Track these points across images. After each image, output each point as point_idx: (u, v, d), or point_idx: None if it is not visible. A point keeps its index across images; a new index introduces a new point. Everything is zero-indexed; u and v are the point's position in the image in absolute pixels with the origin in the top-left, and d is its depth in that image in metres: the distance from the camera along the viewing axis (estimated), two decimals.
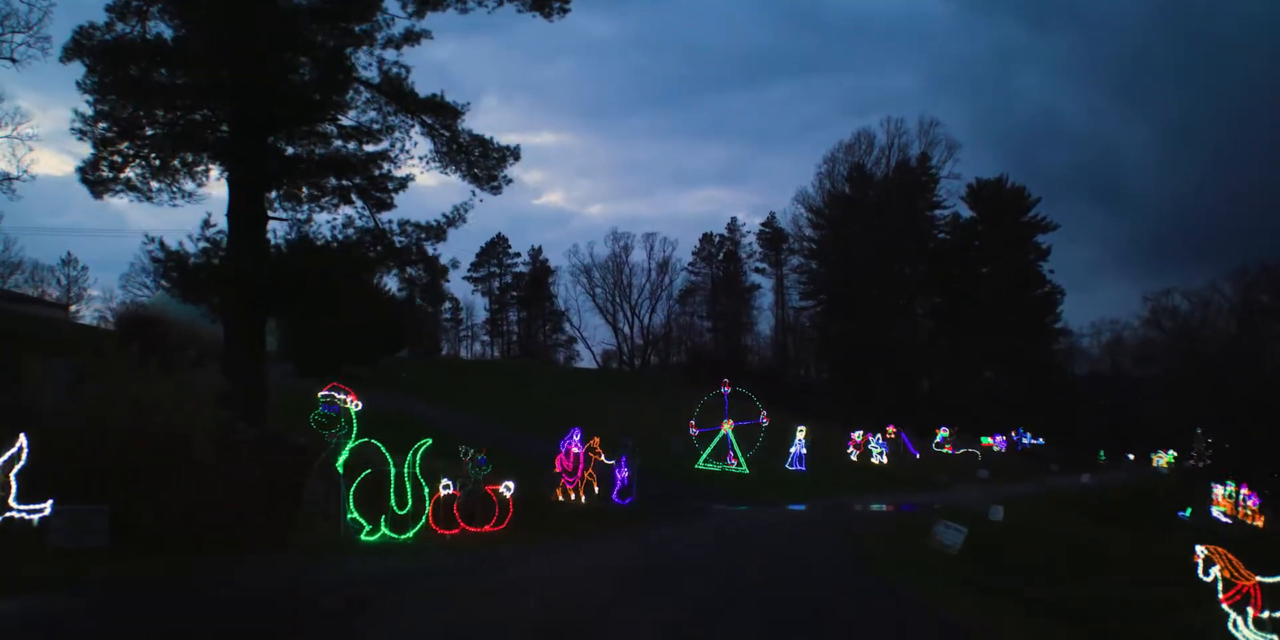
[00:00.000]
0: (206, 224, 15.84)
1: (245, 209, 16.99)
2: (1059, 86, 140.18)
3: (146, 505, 10.43)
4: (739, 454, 33.61)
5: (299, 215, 18.19)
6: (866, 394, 71.27)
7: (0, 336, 20.51)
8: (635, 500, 22.22)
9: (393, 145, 18.38)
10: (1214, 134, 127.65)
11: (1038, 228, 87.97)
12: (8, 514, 10.15)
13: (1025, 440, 67.61)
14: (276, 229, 17.47)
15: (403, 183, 18.02)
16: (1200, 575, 12.20)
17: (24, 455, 10.20)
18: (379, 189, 17.77)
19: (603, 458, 22.08)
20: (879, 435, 45.58)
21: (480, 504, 15.09)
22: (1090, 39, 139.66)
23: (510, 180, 19.37)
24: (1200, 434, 74.72)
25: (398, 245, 17.29)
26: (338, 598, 9.65)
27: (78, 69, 15.90)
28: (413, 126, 19.01)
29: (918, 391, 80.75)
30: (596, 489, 21.72)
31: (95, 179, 15.44)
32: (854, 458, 43.18)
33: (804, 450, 36.71)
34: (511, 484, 15.49)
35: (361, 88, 18.71)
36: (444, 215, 17.85)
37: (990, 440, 60.13)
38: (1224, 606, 11.97)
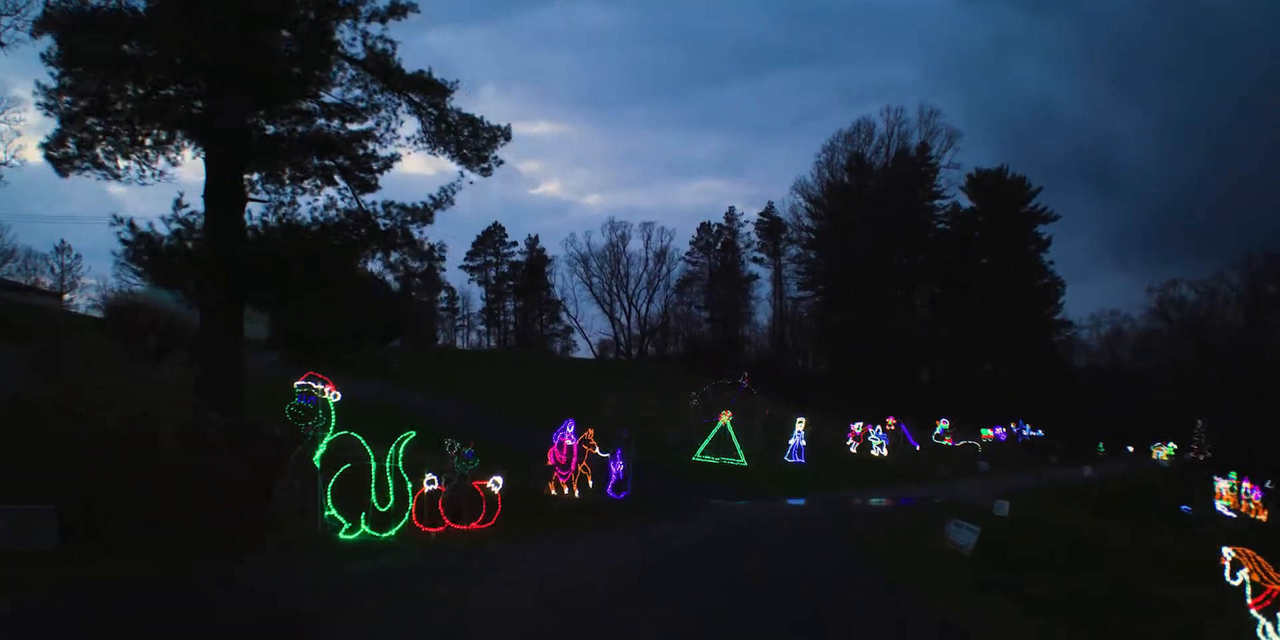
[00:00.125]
0: (179, 204, 15.03)
1: (223, 189, 16.19)
2: (1057, 77, 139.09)
3: (102, 503, 9.67)
4: (738, 446, 32.91)
5: (282, 198, 17.41)
6: (865, 385, 70.69)
7: None
8: (630, 494, 21.50)
9: (378, 124, 17.61)
10: (1213, 125, 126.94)
11: (1038, 218, 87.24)
12: None
13: (1025, 432, 67.02)
14: (254, 210, 16.71)
15: (388, 163, 17.24)
16: (1228, 578, 11.58)
17: None
18: (363, 169, 16.95)
19: (597, 450, 21.37)
20: (879, 427, 44.93)
21: (467, 500, 14.34)
22: (1088, 28, 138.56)
23: (501, 161, 18.63)
24: (1200, 426, 74.21)
25: (382, 228, 16.50)
26: (310, 605, 8.91)
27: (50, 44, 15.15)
28: (399, 105, 18.18)
29: (917, 382, 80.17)
30: (590, 483, 21.02)
31: (60, 156, 14.62)
32: (853, 450, 42.53)
33: (803, 442, 36.04)
34: (500, 479, 14.74)
35: (346, 64, 17.88)
36: (431, 197, 17.09)
37: (990, 432, 59.56)
38: (1252, 612, 11.29)
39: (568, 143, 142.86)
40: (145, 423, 11.50)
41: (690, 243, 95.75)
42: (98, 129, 14.68)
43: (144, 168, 15.18)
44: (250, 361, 25.68)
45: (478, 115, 18.41)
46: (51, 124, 14.97)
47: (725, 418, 33.39)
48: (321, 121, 17.55)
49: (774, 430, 36.10)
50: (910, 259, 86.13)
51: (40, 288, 63.79)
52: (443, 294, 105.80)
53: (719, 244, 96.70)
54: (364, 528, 12.82)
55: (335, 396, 12.81)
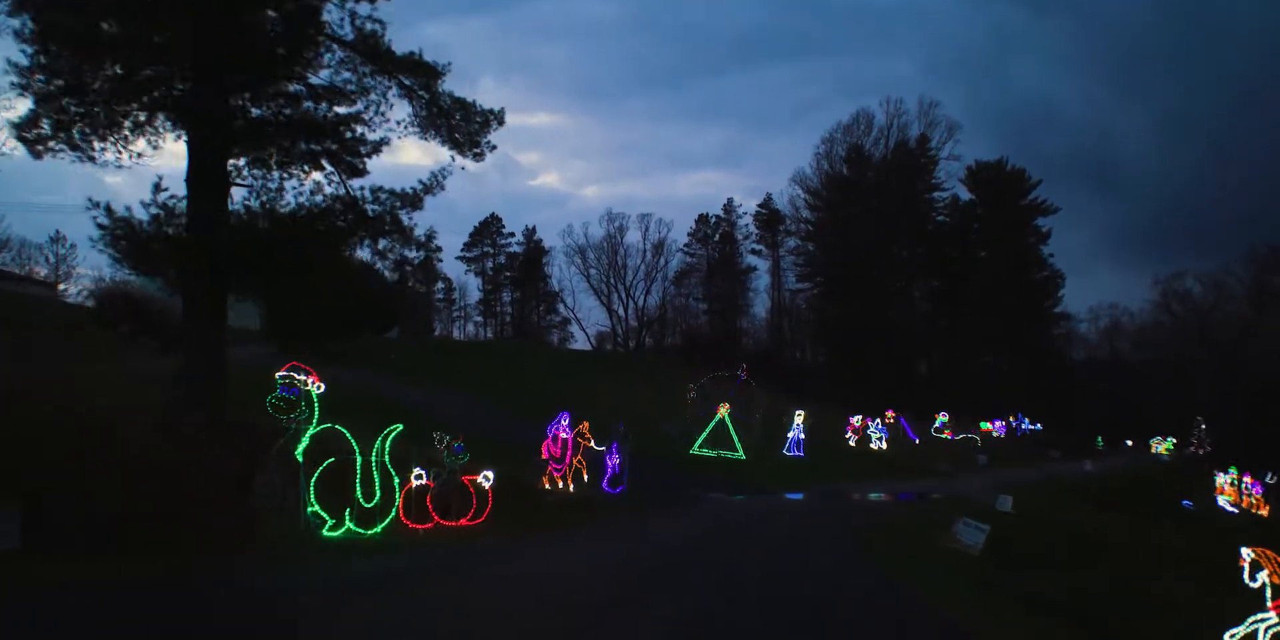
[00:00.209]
0: (158, 188, 14.45)
1: (205, 174, 15.61)
2: (1056, 73, 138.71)
3: (67, 500, 9.16)
4: (736, 440, 32.46)
5: (269, 184, 16.85)
6: (864, 377, 70.32)
7: None
8: (627, 489, 21.04)
9: (367, 107, 17.00)
10: (1212, 121, 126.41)
11: (1038, 211, 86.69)
12: None
13: (1024, 426, 66.65)
14: (237, 195, 16.11)
15: (377, 147, 16.64)
16: (1246, 580, 11.15)
17: None
18: (351, 153, 16.36)
19: (592, 444, 20.91)
20: (877, 420, 44.52)
21: (456, 495, 13.86)
22: (1087, 24, 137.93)
23: (494, 146, 18.04)
24: (1200, 420, 73.87)
25: (370, 214, 15.95)
26: (291, 609, 8.41)
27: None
28: (390, 88, 17.59)
29: (915, 375, 79.79)
30: (586, 477, 20.57)
31: (34, 137, 14.04)
32: (852, 443, 42.11)
33: (802, 435, 35.60)
34: (490, 474, 14.25)
35: (335, 46, 17.30)
36: (421, 182, 16.50)
37: (989, 425, 59.16)
38: (1274, 615, 10.84)
39: (566, 134, 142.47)
40: (117, 415, 10.96)
41: (688, 234, 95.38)
42: (74, 109, 14.12)
43: (121, 150, 14.62)
44: (244, 352, 25.24)
45: (470, 99, 17.87)
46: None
47: (723, 410, 32.93)
48: (309, 105, 16.97)
49: (772, 423, 35.66)
50: (909, 251, 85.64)
51: (35, 278, 63.27)
52: (440, 285, 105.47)
53: (717, 236, 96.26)
54: (349, 524, 12.33)
55: (319, 388, 12.31)
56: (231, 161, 16.78)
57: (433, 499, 13.43)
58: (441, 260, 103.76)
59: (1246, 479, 47.12)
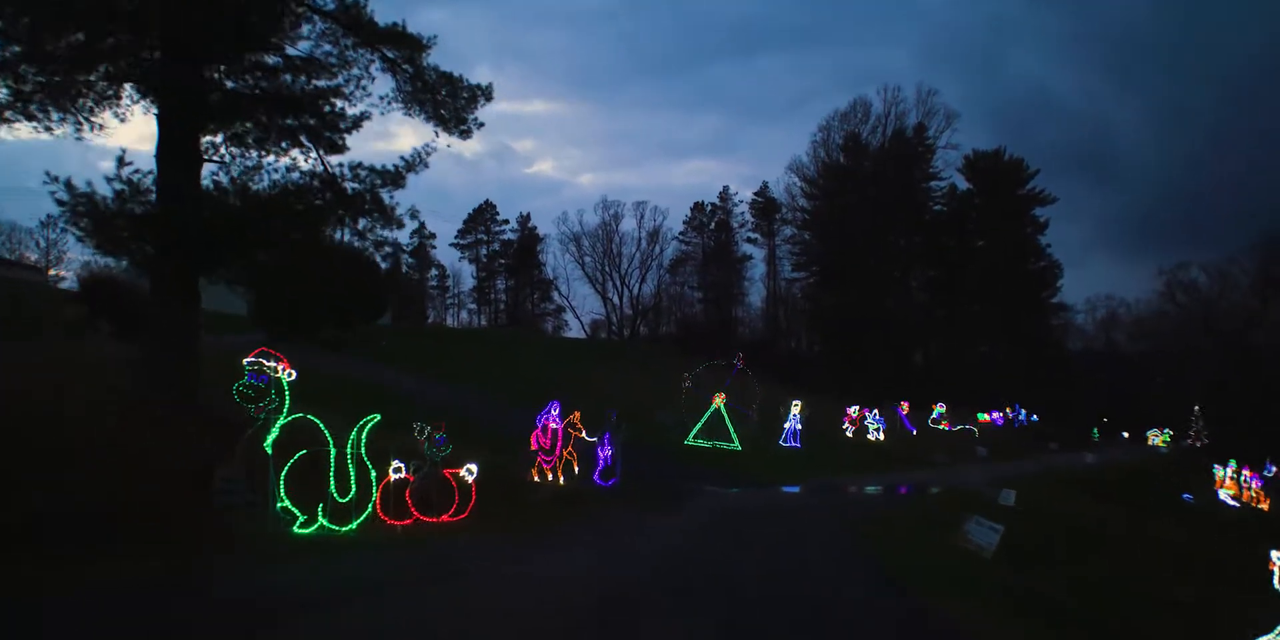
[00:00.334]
0: (121, 161, 13.60)
1: (176, 149, 14.77)
2: (1053, 63, 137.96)
3: (6, 497, 8.38)
4: (732, 430, 31.74)
5: (247, 162, 15.99)
6: (860, 367, 69.73)
7: None
8: (619, 481, 20.31)
9: (348, 81, 16.13)
10: (1208, 112, 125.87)
11: (1035, 200, 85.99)
12: None
13: (1022, 417, 66.16)
14: (208, 172, 15.26)
15: (357, 122, 15.74)
16: (1276, 586, 10.56)
17: None
18: (330, 128, 15.48)
19: (584, 434, 20.15)
20: (875, 411, 43.91)
21: (437, 489, 13.10)
22: (1084, 13, 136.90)
23: (481, 123, 17.15)
24: (1198, 412, 73.52)
25: (349, 192, 15.11)
26: (243, 621, 7.67)
27: None
28: (372, 61, 16.73)
29: (912, 365, 79.23)
30: (576, 469, 19.82)
31: None
32: (849, 434, 41.48)
33: (799, 426, 34.92)
34: (474, 466, 13.47)
35: (315, 17, 16.43)
36: (403, 159, 15.61)
37: (987, 416, 58.63)
38: None
39: (561, 122, 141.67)
40: (68, 401, 10.17)
41: (684, 222, 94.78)
42: (33, 78, 13.26)
43: (83, 121, 13.74)
44: (232, 341, 24.40)
45: (456, 73, 16.99)
46: None
47: (719, 400, 32.21)
48: (287, 77, 16.10)
49: (768, 413, 34.94)
50: (906, 240, 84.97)
51: (25, 262, 62.31)
52: (433, 272, 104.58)
53: (713, 224, 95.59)
54: (321, 521, 11.57)
55: (290, 375, 11.54)
56: (208, 138, 15.97)
57: (412, 493, 12.67)
58: (435, 247, 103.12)
59: (1245, 472, 46.66)
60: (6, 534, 8.20)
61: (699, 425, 31.95)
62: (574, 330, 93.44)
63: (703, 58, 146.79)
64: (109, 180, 13.49)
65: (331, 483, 11.73)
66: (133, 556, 8.82)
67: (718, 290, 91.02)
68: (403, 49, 16.68)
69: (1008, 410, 64.03)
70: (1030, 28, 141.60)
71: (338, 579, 9.62)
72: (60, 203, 13.06)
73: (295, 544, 11.04)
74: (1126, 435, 72.88)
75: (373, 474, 12.13)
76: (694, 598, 10.34)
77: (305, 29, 16.35)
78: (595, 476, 20.18)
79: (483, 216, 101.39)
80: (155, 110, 15.04)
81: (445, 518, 13.06)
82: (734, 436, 31.59)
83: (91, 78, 13.84)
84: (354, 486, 11.89)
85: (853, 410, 42.44)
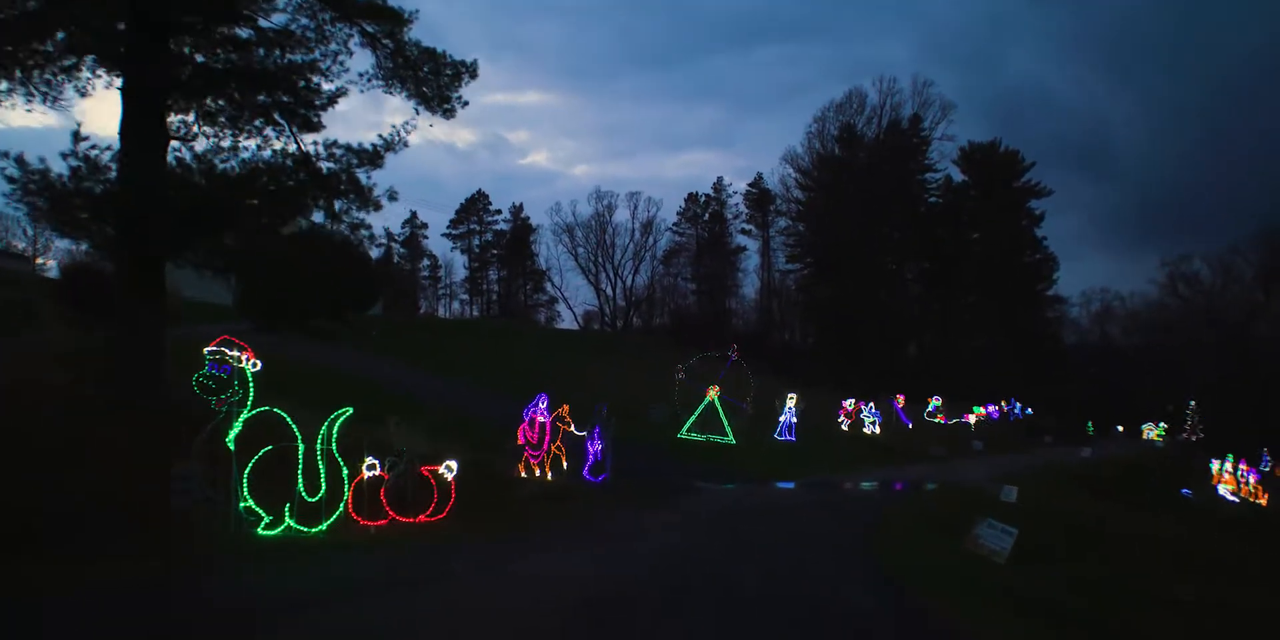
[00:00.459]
0: (77, 137, 12.73)
1: (141, 125, 13.92)
2: (1049, 56, 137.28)
3: None
4: (726, 423, 31.03)
5: (221, 142, 15.15)
6: (855, 359, 69.13)
7: None
8: (609, 477, 19.59)
9: (325, 56, 15.28)
10: (1202, 107, 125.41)
11: (1031, 193, 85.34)
12: None
13: (1017, 410, 65.66)
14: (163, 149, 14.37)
15: (333, 98, 14.92)
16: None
17: None
18: (305, 105, 14.64)
19: (572, 428, 19.41)
20: (870, 404, 43.28)
21: (414, 488, 12.34)
22: (1080, 7, 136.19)
23: (466, 102, 16.33)
24: (1193, 406, 73.13)
25: (324, 172, 14.28)
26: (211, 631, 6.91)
27: None
28: (351, 36, 15.89)
29: (907, 357, 78.65)
30: (565, 464, 19.08)
31: None
32: (845, 427, 40.84)
33: (794, 419, 34.23)
34: (454, 463, 12.70)
35: None
36: (381, 137, 14.76)
37: (982, 410, 58.09)
38: None
39: (556, 113, 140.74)
40: (24, 395, 9.38)
41: (678, 213, 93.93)
42: None
43: (37, 93, 12.89)
44: (217, 330, 23.55)
45: (439, 49, 16.15)
46: None
47: (713, 393, 31.49)
48: (260, 52, 15.25)
49: (762, 405, 34.21)
50: (901, 232, 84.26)
51: (13, 251, 61.08)
52: (425, 262, 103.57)
53: (707, 215, 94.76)
54: (289, 521, 10.81)
55: (254, 365, 10.75)
56: (180, 118, 15.14)
57: (387, 492, 11.91)
58: (427, 237, 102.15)
59: (1242, 466, 46.22)
60: None
61: (692, 418, 31.24)
62: (566, 321, 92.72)
63: (699, 50, 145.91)
64: (65, 156, 12.64)
65: (300, 481, 10.95)
66: (80, 558, 8.07)
67: (711, 282, 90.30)
68: (383, 23, 15.85)
69: (1003, 404, 63.53)
70: (1027, 20, 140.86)
71: (301, 585, 8.87)
72: (11, 180, 12.23)
73: (258, 547, 10.28)
74: (1121, 429, 72.47)
75: (344, 471, 11.37)
76: (691, 612, 9.56)
77: (280, 0, 15.53)
78: (585, 472, 19.45)
79: (475, 206, 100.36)
80: (119, 84, 14.21)
81: (422, 518, 12.30)
82: (728, 430, 30.88)
83: (49, 48, 12.98)
84: (324, 485, 11.13)
85: (848, 403, 41.78)
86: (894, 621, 10.00)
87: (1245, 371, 70.02)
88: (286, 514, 10.79)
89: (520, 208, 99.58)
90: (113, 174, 13.15)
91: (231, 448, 10.42)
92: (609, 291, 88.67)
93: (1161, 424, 71.82)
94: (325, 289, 35.93)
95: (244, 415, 10.57)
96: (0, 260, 51.61)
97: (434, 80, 16.02)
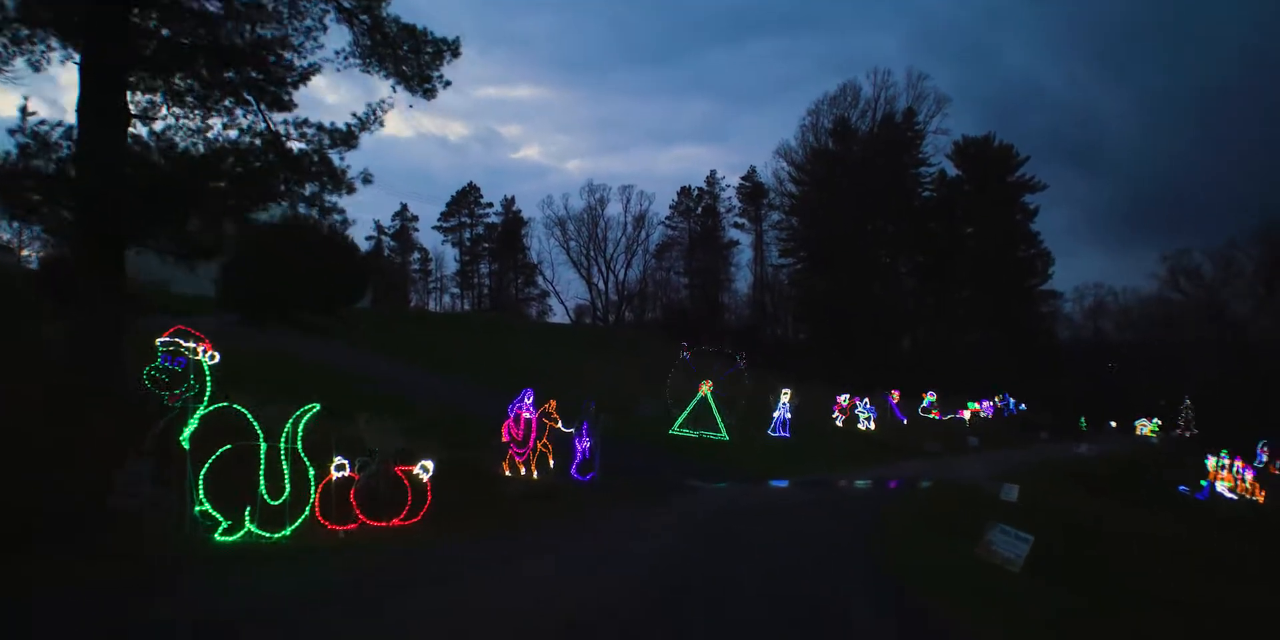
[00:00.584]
0: (25, 112, 11.93)
1: (100, 102, 13.10)
2: (1042, 51, 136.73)
3: None
4: (719, 419, 30.28)
5: (189, 122, 14.32)
6: (848, 354, 68.53)
7: None
8: (597, 475, 18.83)
9: (298, 32, 14.46)
10: (1195, 102, 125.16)
11: (1025, 187, 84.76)
12: None
13: (1012, 406, 65.21)
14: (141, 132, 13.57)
15: (305, 75, 14.12)
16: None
17: None
18: (275, 82, 13.85)
19: (559, 425, 18.65)
20: (865, 399, 42.65)
21: (387, 489, 11.55)
22: (1076, 2, 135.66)
23: (448, 82, 15.51)
24: (1187, 402, 72.79)
25: (295, 153, 13.47)
26: None
27: None
28: (326, 11, 15.06)
29: (901, 352, 78.11)
30: (552, 462, 18.33)
31: None
32: (840, 423, 40.20)
33: (788, 415, 33.54)
34: (430, 463, 11.91)
35: None
36: (355, 116, 13.97)
37: (976, 405, 57.60)
38: None
39: (548, 107, 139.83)
40: None
41: (670, 207, 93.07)
42: None
43: None
44: (201, 323, 22.66)
45: (420, 26, 15.34)
46: None
47: (705, 388, 30.76)
48: (230, 25, 14.42)
49: (756, 401, 33.49)
50: (895, 226, 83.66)
51: None
52: (415, 255, 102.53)
53: (699, 209, 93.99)
54: (249, 527, 10.01)
55: (211, 358, 9.96)
56: (148, 96, 14.30)
57: (357, 494, 11.13)
58: (418, 230, 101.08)
59: (1238, 463, 45.73)
60: None
61: (685, 413, 30.51)
62: (558, 315, 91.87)
63: (692, 43, 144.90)
64: (11, 133, 11.80)
65: (262, 483, 10.16)
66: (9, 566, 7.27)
67: (704, 276, 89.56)
68: None
69: (997, 399, 63.06)
70: (1021, 15, 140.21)
71: (251, 598, 8.08)
72: None
73: (214, 554, 9.48)
74: (1114, 425, 72.12)
75: (311, 472, 10.58)
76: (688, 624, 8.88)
77: None
78: (572, 470, 18.68)
79: (466, 199, 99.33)
80: (76, 60, 13.37)
81: (395, 521, 11.50)
82: (721, 426, 30.15)
83: (10, 22, 12.13)
84: (288, 487, 10.33)
85: (843, 399, 41.15)
86: (894, 621, 9.79)
87: (1245, 367, 69.59)
88: (247, 519, 10.00)
89: (512, 201, 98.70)
90: (65, 152, 12.29)
91: (186, 446, 9.63)
92: (601, 285, 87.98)
93: (1155, 420, 71.51)
94: (310, 280, 35.09)
95: (200, 411, 9.79)
96: None
97: (414, 59, 15.21)
